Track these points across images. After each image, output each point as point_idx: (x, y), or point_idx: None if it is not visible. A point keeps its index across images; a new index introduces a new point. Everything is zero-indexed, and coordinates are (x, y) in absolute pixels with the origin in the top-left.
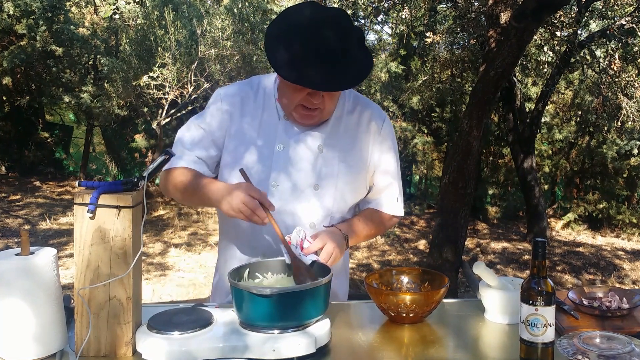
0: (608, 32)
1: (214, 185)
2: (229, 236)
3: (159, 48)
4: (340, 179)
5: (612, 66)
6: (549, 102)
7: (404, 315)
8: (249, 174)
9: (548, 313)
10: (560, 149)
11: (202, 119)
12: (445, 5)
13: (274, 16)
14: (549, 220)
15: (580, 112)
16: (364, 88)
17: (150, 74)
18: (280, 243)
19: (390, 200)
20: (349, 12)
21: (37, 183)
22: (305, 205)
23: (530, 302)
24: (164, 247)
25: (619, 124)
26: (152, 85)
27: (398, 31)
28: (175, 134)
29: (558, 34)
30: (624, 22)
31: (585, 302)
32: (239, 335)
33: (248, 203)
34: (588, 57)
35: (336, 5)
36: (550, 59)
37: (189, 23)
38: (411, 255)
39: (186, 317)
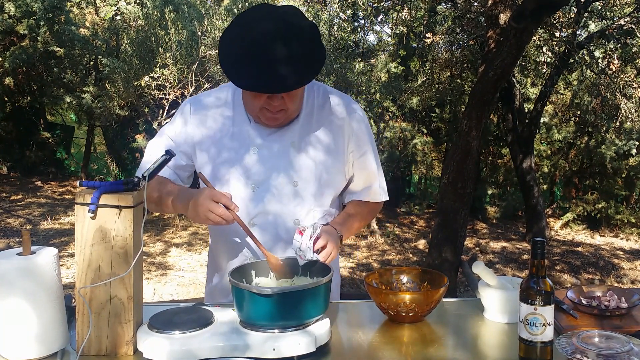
0: (607, 32)
1: (179, 196)
2: (219, 243)
3: (160, 48)
4: (318, 173)
5: (610, 67)
6: (547, 103)
7: (404, 314)
8: (227, 181)
9: (547, 312)
10: (559, 149)
11: (172, 129)
12: (444, 6)
13: None
14: (547, 220)
15: (579, 113)
16: (363, 88)
17: (151, 75)
18: (247, 238)
19: (375, 189)
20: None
21: (39, 183)
22: (287, 203)
23: (530, 301)
24: (164, 247)
25: (618, 124)
26: (153, 85)
27: (398, 32)
28: None
29: (557, 34)
30: (623, 23)
31: (584, 301)
32: (239, 334)
33: (213, 209)
34: (587, 58)
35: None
36: (549, 59)
37: (190, 24)
38: (411, 255)
39: (187, 316)
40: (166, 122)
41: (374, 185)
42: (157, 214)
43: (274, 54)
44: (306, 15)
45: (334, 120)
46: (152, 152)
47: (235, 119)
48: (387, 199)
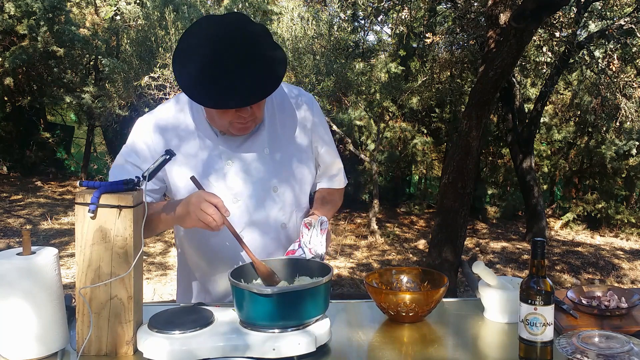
0: (607, 32)
1: (166, 207)
2: (191, 249)
3: (160, 48)
4: (294, 174)
5: (610, 67)
6: (547, 103)
7: (404, 314)
8: None
9: (547, 312)
10: (559, 149)
11: (132, 154)
12: (444, 6)
13: (274, 17)
14: (548, 220)
15: (579, 113)
16: (363, 88)
17: (151, 75)
18: (236, 243)
19: (341, 176)
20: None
21: (39, 183)
22: (270, 210)
23: (530, 301)
24: (164, 247)
25: (618, 124)
26: (153, 85)
27: (398, 32)
28: None
29: (557, 34)
30: (623, 23)
31: (584, 301)
32: (239, 334)
33: (205, 209)
34: (587, 58)
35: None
36: (549, 59)
37: (190, 24)
38: (411, 255)
39: (187, 316)
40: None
41: (340, 172)
42: None
43: (233, 68)
44: (264, 13)
45: (296, 116)
46: (117, 176)
47: (199, 133)
48: (346, 182)
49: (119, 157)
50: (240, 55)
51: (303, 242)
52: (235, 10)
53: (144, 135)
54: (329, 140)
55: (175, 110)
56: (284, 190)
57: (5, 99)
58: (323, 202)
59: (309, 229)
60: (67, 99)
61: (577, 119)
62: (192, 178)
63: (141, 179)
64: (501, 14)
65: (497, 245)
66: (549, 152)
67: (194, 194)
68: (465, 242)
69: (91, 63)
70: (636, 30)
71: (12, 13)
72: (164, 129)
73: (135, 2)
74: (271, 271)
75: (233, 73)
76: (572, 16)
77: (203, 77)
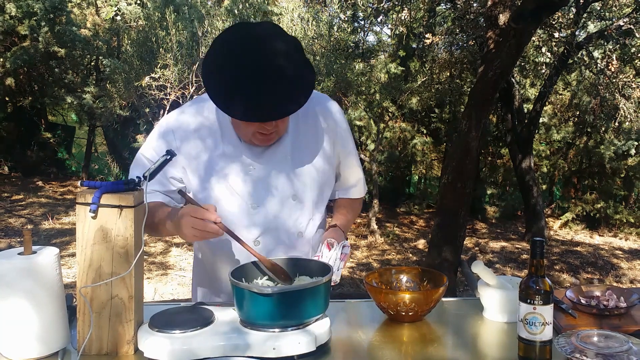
0: (606, 33)
1: (169, 217)
2: (208, 251)
3: (161, 49)
4: (315, 183)
5: (609, 67)
6: (547, 103)
7: (403, 314)
8: (226, 202)
9: (546, 312)
10: (558, 149)
11: (154, 152)
12: (444, 7)
13: (274, 17)
14: (547, 219)
15: (578, 113)
16: (363, 89)
17: (152, 75)
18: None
19: (361, 185)
20: (348, 13)
21: (40, 183)
22: (289, 218)
23: (529, 300)
24: (165, 247)
25: (617, 124)
26: (153, 86)
27: (397, 32)
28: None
29: (556, 35)
30: (621, 23)
31: (583, 300)
32: (239, 333)
33: (197, 225)
34: (586, 58)
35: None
36: (548, 60)
37: (190, 24)
38: (410, 255)
39: (187, 315)
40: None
41: (360, 181)
42: None
43: (261, 83)
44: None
45: (319, 124)
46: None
47: (224, 138)
48: (366, 190)
49: (140, 156)
50: (269, 71)
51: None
52: (236, 10)
53: (165, 136)
54: (352, 150)
55: (202, 111)
56: (302, 198)
57: (7, 99)
58: (343, 212)
59: (329, 250)
60: (68, 99)
61: (576, 119)
62: (180, 192)
63: (142, 179)
64: (500, 15)
65: (496, 245)
66: (548, 152)
67: (182, 213)
68: (465, 242)
69: (92, 63)
70: (635, 30)
71: (13, 14)
72: (187, 129)
73: (136, 3)
74: (277, 265)
75: (260, 87)
76: (571, 17)
77: (230, 87)
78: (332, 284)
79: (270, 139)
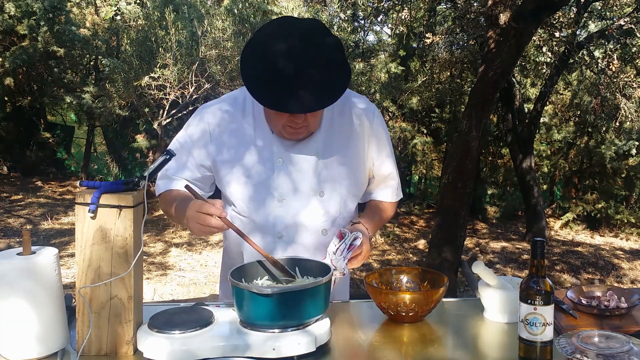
0: (607, 32)
1: (179, 215)
2: (232, 242)
3: (160, 49)
4: (343, 182)
5: (610, 67)
6: (547, 103)
7: (404, 314)
8: (252, 194)
9: (547, 312)
10: (559, 149)
11: (188, 139)
12: (444, 6)
13: (274, 17)
14: (547, 220)
15: (578, 113)
16: (363, 89)
17: (152, 75)
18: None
19: (392, 190)
20: (348, 12)
21: (39, 183)
22: (314, 214)
23: (529, 301)
24: (165, 247)
25: (617, 124)
26: (153, 85)
27: (397, 32)
28: (176, 134)
29: (557, 34)
30: (622, 23)
31: (583, 301)
32: (239, 334)
33: (201, 220)
34: (587, 58)
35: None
36: (549, 59)
37: (190, 24)
38: (411, 255)
39: (187, 316)
40: (166, 122)
41: (394, 186)
42: (157, 213)
43: (296, 75)
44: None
45: (355, 124)
46: (171, 165)
47: (256, 129)
48: (402, 196)
49: (175, 142)
50: (307, 65)
51: (329, 250)
52: (236, 10)
53: (201, 122)
54: (388, 153)
55: (235, 103)
56: (330, 196)
57: (6, 99)
58: (372, 213)
59: (340, 239)
60: (68, 99)
61: (576, 119)
62: (186, 186)
63: (141, 179)
64: (501, 14)
65: (496, 245)
66: (549, 152)
67: (189, 209)
68: (465, 242)
69: (91, 63)
70: (636, 30)
71: (12, 13)
72: (223, 118)
73: (135, 2)
74: (279, 263)
75: (296, 80)
76: (572, 16)
77: (266, 76)
78: (340, 275)
79: (300, 133)
